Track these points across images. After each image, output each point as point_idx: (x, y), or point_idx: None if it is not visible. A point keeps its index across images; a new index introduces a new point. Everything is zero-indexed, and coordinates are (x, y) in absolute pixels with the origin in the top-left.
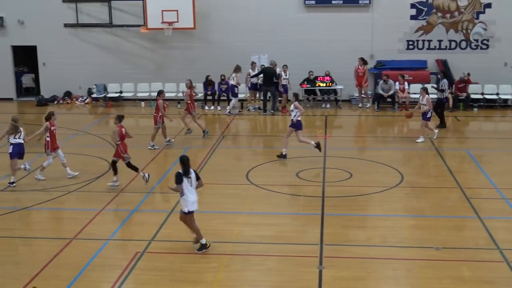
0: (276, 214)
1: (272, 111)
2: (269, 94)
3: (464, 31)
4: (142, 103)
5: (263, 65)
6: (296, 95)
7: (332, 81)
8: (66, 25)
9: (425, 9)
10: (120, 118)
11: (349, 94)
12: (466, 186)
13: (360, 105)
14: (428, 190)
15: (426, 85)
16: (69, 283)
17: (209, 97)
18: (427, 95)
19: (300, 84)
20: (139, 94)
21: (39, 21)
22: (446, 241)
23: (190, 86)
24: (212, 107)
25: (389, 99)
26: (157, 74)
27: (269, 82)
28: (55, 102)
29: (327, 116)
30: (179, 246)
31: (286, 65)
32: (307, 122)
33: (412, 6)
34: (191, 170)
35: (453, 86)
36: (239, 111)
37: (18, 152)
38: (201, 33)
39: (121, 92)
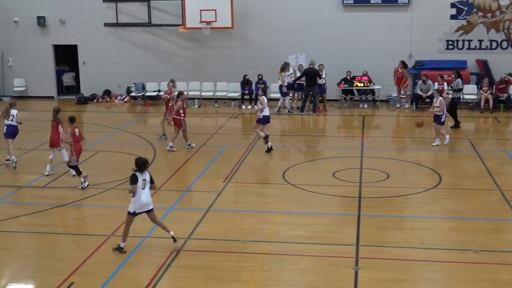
0: (312, 214)
1: (314, 113)
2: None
3: (505, 30)
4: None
5: (300, 65)
6: (264, 90)
7: (370, 81)
8: (106, 25)
9: (466, 8)
10: (72, 119)
11: (387, 94)
12: (506, 189)
13: (398, 105)
14: (467, 192)
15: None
16: (107, 280)
17: (246, 97)
18: (440, 97)
19: (338, 84)
20: None
21: (80, 20)
22: (485, 244)
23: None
24: (249, 107)
25: (427, 100)
26: (194, 73)
27: (312, 83)
28: (95, 100)
29: (364, 116)
30: (215, 244)
31: (322, 65)
32: (344, 123)
33: (452, 5)
34: (146, 173)
35: (494, 87)
36: (278, 111)
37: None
38: (239, 32)
39: (159, 91)
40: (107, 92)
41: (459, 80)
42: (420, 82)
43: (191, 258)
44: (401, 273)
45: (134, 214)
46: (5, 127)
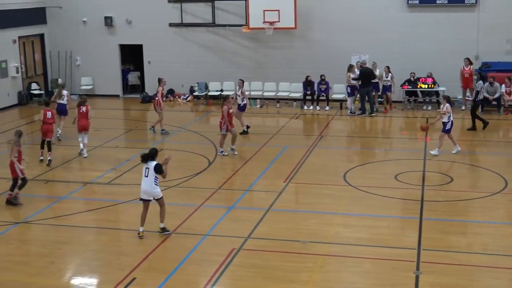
0: (373, 216)
1: (373, 113)
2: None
3: None
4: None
5: (361, 66)
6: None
7: (434, 83)
8: (171, 25)
9: None
10: (19, 134)
11: (452, 96)
12: None
13: (463, 107)
14: None
15: None
16: (167, 276)
17: (308, 97)
18: (447, 104)
19: (401, 85)
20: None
21: (145, 21)
22: None
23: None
24: (311, 107)
25: (494, 102)
26: (257, 73)
27: (367, 83)
28: None
29: (428, 119)
30: (274, 244)
31: (388, 66)
32: (407, 124)
33: None
34: (151, 163)
35: None
36: (351, 112)
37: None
38: (301, 32)
39: (222, 90)
40: (171, 91)
41: (480, 82)
42: (487, 84)
43: (251, 257)
44: (463, 279)
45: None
46: (57, 104)
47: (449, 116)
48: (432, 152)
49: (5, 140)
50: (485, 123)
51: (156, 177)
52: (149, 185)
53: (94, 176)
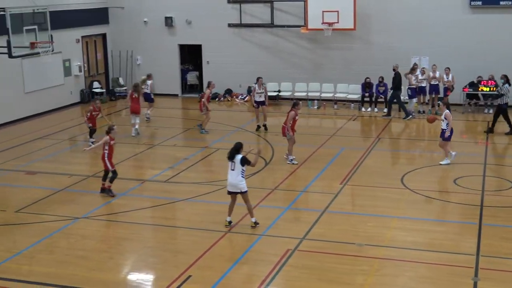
0: (430, 220)
1: (407, 116)
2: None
3: None
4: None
5: (423, 68)
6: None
7: (496, 86)
8: (230, 25)
9: None
10: (110, 128)
11: None
12: None
13: None
14: None
15: None
16: (222, 274)
17: (367, 99)
18: (446, 110)
19: (463, 88)
20: (297, 94)
21: (205, 21)
22: None
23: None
24: (369, 109)
25: None
26: (314, 74)
27: (397, 86)
28: (216, 99)
29: (489, 122)
30: (330, 246)
31: (448, 68)
32: (468, 128)
33: None
34: (238, 156)
35: None
36: (411, 115)
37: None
38: (360, 33)
39: (279, 91)
40: (229, 91)
41: (506, 85)
42: None
43: (305, 258)
44: None
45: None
46: (143, 93)
47: (448, 123)
48: (442, 163)
49: (68, 137)
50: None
51: (243, 170)
52: (235, 178)
53: (152, 174)
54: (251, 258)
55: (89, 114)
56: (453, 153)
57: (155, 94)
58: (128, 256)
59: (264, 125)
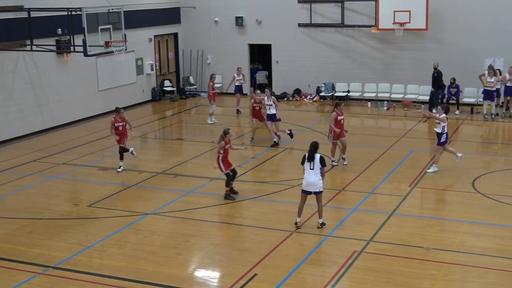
0: (501, 226)
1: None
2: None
3: None
4: (369, 103)
5: (498, 69)
6: (270, 89)
7: None
8: (300, 25)
9: None
10: (225, 132)
11: None
12: None
13: None
14: None
15: None
16: (288, 274)
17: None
18: (443, 114)
19: None
20: (366, 94)
21: (275, 20)
22: None
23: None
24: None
25: None
26: (384, 74)
27: (436, 85)
28: (285, 98)
29: None
30: (397, 249)
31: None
32: None
33: None
34: (316, 155)
35: None
36: (485, 117)
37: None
38: (432, 34)
39: (348, 91)
40: (298, 91)
41: None
42: None
43: (372, 260)
44: None
45: (302, 192)
46: (235, 86)
47: (444, 127)
48: (429, 170)
49: (139, 134)
50: None
51: (320, 169)
52: (315, 177)
53: (219, 172)
54: (317, 258)
55: (114, 129)
56: (460, 155)
57: (224, 93)
58: (195, 253)
59: (276, 143)
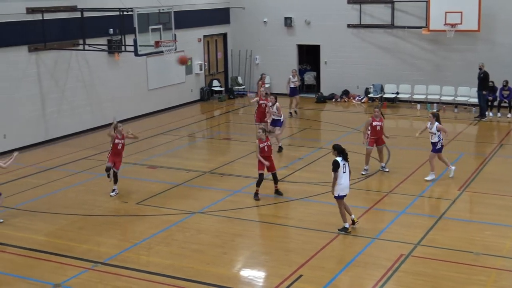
0: None
1: (481, 117)
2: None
3: None
4: (418, 105)
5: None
6: (275, 97)
7: None
8: (349, 26)
9: None
10: (263, 131)
11: None
12: None
13: None
14: None
15: None
16: (334, 276)
17: (489, 103)
18: (436, 123)
19: None
20: (415, 96)
21: (324, 21)
22: None
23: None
24: (491, 114)
25: None
26: (435, 76)
27: (481, 85)
28: (333, 99)
29: None
30: (445, 253)
31: None
32: None
33: None
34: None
35: None
36: None
37: None
38: (484, 35)
39: (397, 93)
40: (346, 92)
41: None
42: None
43: (419, 264)
44: None
45: (340, 197)
46: (290, 88)
47: (439, 135)
48: (427, 178)
49: (187, 133)
50: None
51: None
52: (349, 180)
53: (266, 172)
54: (363, 261)
55: (111, 146)
56: (453, 168)
57: (272, 93)
58: (241, 252)
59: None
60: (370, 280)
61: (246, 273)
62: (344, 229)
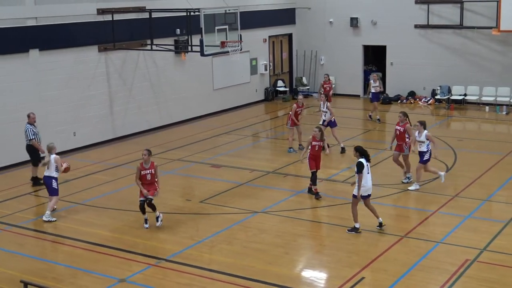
0: None
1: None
2: None
3: None
4: (487, 107)
5: None
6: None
7: None
8: (416, 26)
9: None
10: (319, 130)
11: None
12: None
13: None
14: None
15: None
16: (396, 279)
17: None
18: (425, 131)
19: None
20: (484, 98)
21: (390, 22)
22: None
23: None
24: None
25: None
26: (504, 78)
27: None
28: (399, 101)
29: None
30: None
31: None
32: None
33: None
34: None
35: None
36: None
37: None
38: None
39: (465, 95)
40: (412, 94)
41: None
42: None
43: (485, 270)
44: None
45: (356, 197)
46: (372, 94)
47: (427, 145)
48: (411, 188)
49: (251, 133)
50: None
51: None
52: (371, 180)
53: (330, 173)
54: (426, 265)
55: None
56: (442, 173)
57: (337, 94)
58: (303, 253)
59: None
60: (434, 285)
61: (307, 273)
62: (355, 229)
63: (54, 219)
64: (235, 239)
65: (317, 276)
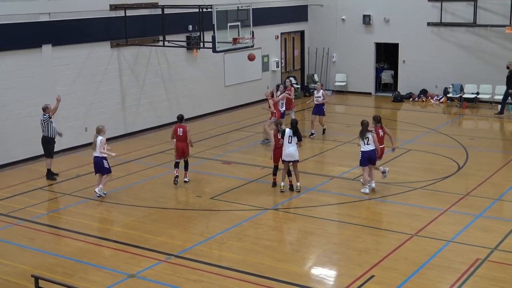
0: None
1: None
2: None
3: None
4: (499, 106)
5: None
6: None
7: None
8: (429, 24)
9: None
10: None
11: None
12: None
13: None
14: None
15: None
16: (406, 278)
17: None
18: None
19: None
20: (497, 97)
21: (403, 19)
22: None
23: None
24: None
25: None
26: None
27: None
28: (411, 99)
29: None
30: None
31: None
32: None
33: None
34: (294, 131)
35: None
36: None
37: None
38: None
39: (477, 93)
40: (424, 92)
41: None
42: None
43: (496, 270)
44: None
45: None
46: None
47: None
48: (363, 191)
49: (262, 130)
50: None
51: (296, 143)
52: (294, 149)
53: (341, 171)
54: (437, 264)
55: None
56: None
57: (348, 92)
58: (313, 250)
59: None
60: (444, 284)
61: (317, 271)
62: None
63: (104, 193)
64: (246, 235)
65: (327, 273)
